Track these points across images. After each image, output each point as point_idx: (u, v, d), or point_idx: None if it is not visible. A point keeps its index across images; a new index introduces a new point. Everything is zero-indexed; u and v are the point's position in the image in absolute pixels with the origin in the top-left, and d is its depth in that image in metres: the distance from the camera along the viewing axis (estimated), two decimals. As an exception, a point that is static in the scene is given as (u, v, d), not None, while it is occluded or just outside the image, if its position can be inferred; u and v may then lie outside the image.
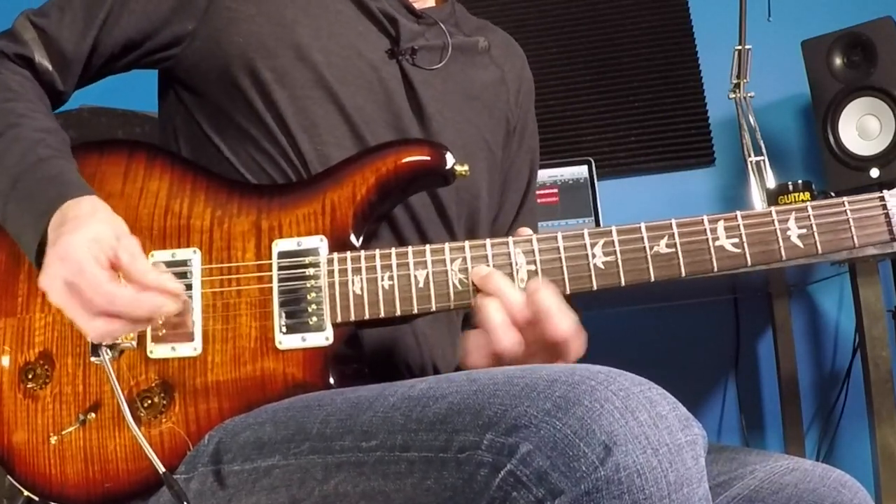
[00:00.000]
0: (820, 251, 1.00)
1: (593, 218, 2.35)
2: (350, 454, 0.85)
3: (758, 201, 2.27)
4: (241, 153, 1.13)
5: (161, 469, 0.92)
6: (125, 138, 1.14)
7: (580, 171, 2.41)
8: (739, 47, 2.31)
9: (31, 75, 1.13)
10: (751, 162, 2.33)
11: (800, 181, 2.16)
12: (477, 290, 0.98)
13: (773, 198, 2.15)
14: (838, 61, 2.36)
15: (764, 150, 2.32)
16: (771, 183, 2.28)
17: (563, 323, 0.94)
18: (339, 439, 0.86)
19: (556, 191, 2.38)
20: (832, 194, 2.18)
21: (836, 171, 2.34)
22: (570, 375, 0.76)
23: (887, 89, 2.27)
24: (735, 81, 2.35)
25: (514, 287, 0.96)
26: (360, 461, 0.84)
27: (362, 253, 1.02)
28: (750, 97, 2.35)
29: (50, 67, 1.13)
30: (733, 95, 2.36)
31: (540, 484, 0.71)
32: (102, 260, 0.92)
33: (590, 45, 2.80)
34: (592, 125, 2.76)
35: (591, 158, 2.43)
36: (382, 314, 1.00)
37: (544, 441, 0.72)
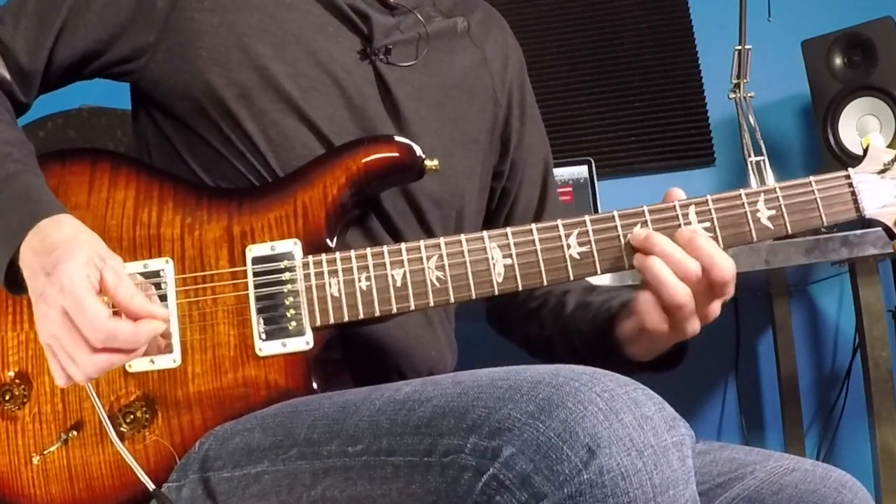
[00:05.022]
0: (790, 231, 1.01)
1: (593, 218, 2.34)
2: (337, 459, 0.85)
3: (758, 201, 2.26)
4: (211, 171, 1.11)
5: (151, 486, 0.91)
6: (88, 147, 1.13)
7: (580, 171, 2.40)
8: (739, 47, 2.30)
9: None
10: (751, 162, 2.31)
11: (800, 181, 2.14)
12: (634, 252, 0.99)
13: (772, 198, 2.14)
14: (838, 61, 2.35)
15: (764, 150, 2.30)
16: (771, 183, 2.27)
17: (728, 265, 0.97)
18: (326, 444, 0.86)
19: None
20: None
21: (836, 171, 2.32)
22: (555, 377, 0.76)
23: (887, 89, 2.27)
24: (735, 81, 2.33)
25: (676, 245, 0.97)
26: (347, 466, 0.84)
27: (338, 255, 1.01)
28: (750, 97, 2.34)
29: (8, 77, 1.09)
30: (733, 95, 2.35)
31: (523, 488, 0.71)
32: (95, 285, 0.89)
33: (590, 45, 2.79)
34: (592, 125, 2.75)
35: (591, 158, 2.42)
36: (362, 315, 1.00)
37: (527, 444, 0.72)
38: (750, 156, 2.31)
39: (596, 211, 2.36)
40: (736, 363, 2.66)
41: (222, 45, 1.10)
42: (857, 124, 2.32)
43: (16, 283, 0.96)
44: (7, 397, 1.01)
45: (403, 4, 1.21)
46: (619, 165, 2.72)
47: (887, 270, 2.46)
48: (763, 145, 2.31)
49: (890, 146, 2.23)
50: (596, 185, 2.39)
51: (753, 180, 2.30)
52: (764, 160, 2.30)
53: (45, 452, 0.99)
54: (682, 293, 0.96)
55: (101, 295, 0.90)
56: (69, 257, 0.90)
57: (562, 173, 2.39)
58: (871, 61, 2.29)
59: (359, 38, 1.17)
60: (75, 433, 1.00)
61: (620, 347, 1.10)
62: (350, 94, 1.13)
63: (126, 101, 1.59)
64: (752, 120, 2.33)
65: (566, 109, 2.75)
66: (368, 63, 1.16)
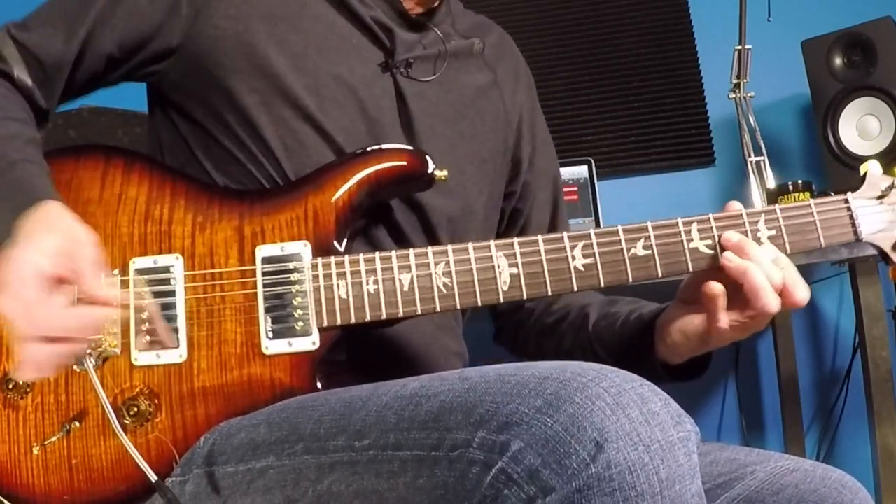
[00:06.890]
0: (788, 252, 1.04)
1: (593, 218, 2.35)
2: (343, 454, 0.85)
3: (758, 201, 2.26)
4: (225, 173, 1.12)
5: (153, 478, 0.91)
6: (101, 143, 1.13)
7: (580, 171, 2.40)
8: (739, 47, 2.31)
9: (12, 89, 1.09)
10: (751, 162, 2.32)
11: (800, 181, 2.15)
12: (722, 251, 1.01)
13: (773, 198, 2.15)
14: (838, 61, 2.36)
15: (764, 150, 2.31)
16: (771, 183, 2.28)
17: (807, 293, 1.00)
18: (333, 439, 0.86)
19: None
20: (831, 194, 2.17)
21: (836, 171, 2.34)
22: (562, 372, 0.76)
23: (887, 89, 2.27)
24: (735, 81, 2.35)
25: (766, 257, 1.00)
26: (354, 461, 0.84)
27: (346, 257, 1.02)
28: (750, 97, 2.35)
29: (30, 83, 1.10)
30: (733, 95, 2.36)
31: (531, 481, 0.72)
32: (48, 275, 0.86)
33: (590, 45, 2.80)
34: (592, 125, 2.76)
35: (591, 158, 2.42)
36: (368, 318, 1.01)
37: (535, 438, 0.72)
38: (750, 156, 2.32)
39: (596, 211, 2.36)
40: (736, 363, 2.67)
41: (244, 53, 1.11)
42: (857, 124, 2.33)
43: None
44: (10, 386, 1.01)
45: (425, 21, 1.23)
46: (619, 165, 2.73)
47: (887, 270, 2.46)
48: (763, 145, 2.32)
49: (890, 145, 2.25)
50: (596, 185, 2.39)
51: (753, 180, 2.31)
52: (764, 160, 2.31)
53: (46, 442, 0.99)
54: (775, 302, 0.98)
55: (57, 281, 0.87)
56: (27, 245, 0.88)
57: (562, 173, 2.38)
58: (871, 61, 2.30)
59: (381, 52, 1.18)
60: (77, 424, 1.00)
61: (656, 350, 1.11)
62: (367, 106, 1.15)
63: (127, 101, 1.60)
64: (752, 120, 2.34)
65: (566, 109, 2.75)
66: (389, 76, 1.18)
